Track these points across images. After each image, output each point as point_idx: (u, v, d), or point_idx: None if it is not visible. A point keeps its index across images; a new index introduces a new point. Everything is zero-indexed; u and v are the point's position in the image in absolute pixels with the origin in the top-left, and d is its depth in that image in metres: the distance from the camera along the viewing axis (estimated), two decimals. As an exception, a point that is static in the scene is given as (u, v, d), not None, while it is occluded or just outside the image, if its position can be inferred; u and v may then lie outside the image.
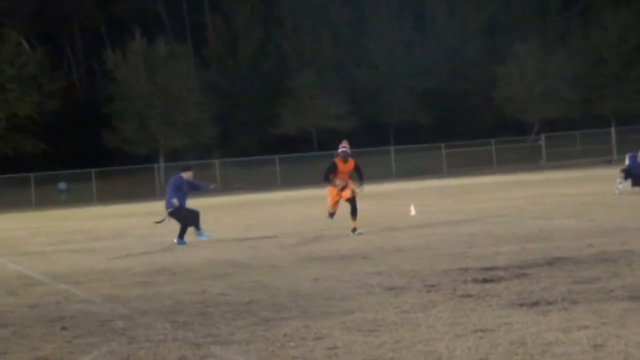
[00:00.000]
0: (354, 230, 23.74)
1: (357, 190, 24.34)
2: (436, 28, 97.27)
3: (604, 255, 15.08)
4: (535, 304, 10.85)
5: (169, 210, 24.50)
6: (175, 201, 23.94)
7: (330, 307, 11.84)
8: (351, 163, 24.75)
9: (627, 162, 34.82)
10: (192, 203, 25.74)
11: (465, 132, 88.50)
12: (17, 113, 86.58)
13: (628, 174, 34.08)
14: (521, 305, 10.86)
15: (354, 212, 24.09)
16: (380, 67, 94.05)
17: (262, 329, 10.53)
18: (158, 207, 56.23)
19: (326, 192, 25.34)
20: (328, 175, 24.52)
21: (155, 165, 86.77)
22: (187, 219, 24.31)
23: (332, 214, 25.51)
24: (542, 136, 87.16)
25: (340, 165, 24.49)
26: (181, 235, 24.15)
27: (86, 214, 54.98)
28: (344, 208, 24.57)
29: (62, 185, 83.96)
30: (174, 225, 24.41)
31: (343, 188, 24.44)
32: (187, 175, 24.56)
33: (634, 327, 9.08)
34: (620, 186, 33.19)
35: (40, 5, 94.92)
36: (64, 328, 11.59)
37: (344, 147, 24.61)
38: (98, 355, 9.70)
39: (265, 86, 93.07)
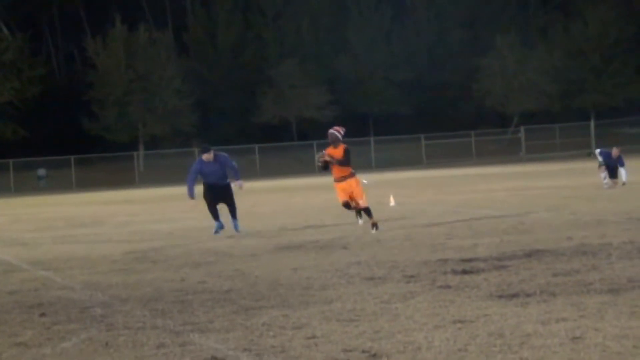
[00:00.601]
0: (374, 226, 20.78)
1: (364, 182, 23.34)
2: (416, 19, 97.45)
3: (583, 247, 15.15)
4: (514, 295, 10.88)
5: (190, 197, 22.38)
6: (191, 192, 22.03)
7: (309, 296, 11.86)
8: (341, 149, 21.44)
9: (599, 158, 34.78)
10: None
11: (445, 123, 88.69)
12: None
13: (603, 164, 34.13)
14: (500, 296, 10.89)
15: (366, 212, 21.40)
16: (360, 57, 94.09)
17: (241, 317, 10.54)
18: (138, 194, 56.31)
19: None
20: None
21: (135, 153, 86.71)
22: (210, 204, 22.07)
23: (347, 206, 21.75)
24: (522, 129, 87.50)
25: (330, 150, 21.56)
26: (233, 216, 22.01)
27: (65, 201, 54.90)
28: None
29: (42, 172, 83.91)
30: (155, 214, 24.30)
31: (349, 193, 21.31)
32: (206, 156, 21.91)
33: (612, 320, 9.12)
34: (607, 180, 33.16)
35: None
36: (42, 314, 11.58)
37: (335, 129, 21.70)
38: (77, 341, 9.69)
39: (245, 75, 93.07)
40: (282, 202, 37.13)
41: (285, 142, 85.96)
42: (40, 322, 11.03)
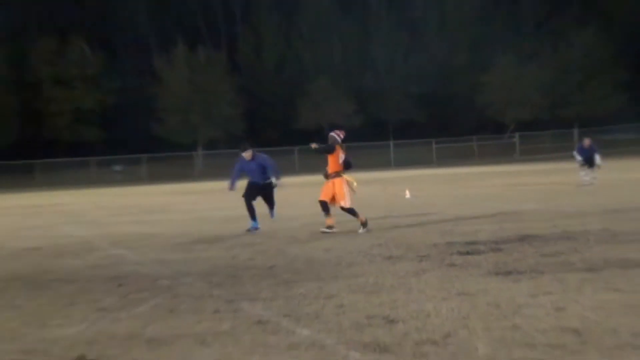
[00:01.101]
0: (362, 225, 18.40)
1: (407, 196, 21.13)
2: (429, 42, 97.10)
3: (566, 234, 15.09)
4: (509, 273, 10.89)
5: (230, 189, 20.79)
6: (232, 185, 20.62)
7: (338, 272, 11.90)
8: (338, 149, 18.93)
9: (578, 158, 34.55)
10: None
11: (452, 129, 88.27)
12: (81, 107, 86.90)
13: (583, 162, 33.92)
14: (497, 274, 10.91)
15: (349, 212, 18.87)
16: (381, 74, 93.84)
17: (282, 289, 10.61)
18: (197, 187, 56.35)
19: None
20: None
21: (195, 153, 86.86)
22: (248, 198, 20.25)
23: (323, 205, 18.84)
24: (517, 135, 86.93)
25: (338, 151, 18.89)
26: (270, 207, 20.60)
27: (137, 192, 55.06)
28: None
29: (118, 167, 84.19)
30: (211, 203, 24.27)
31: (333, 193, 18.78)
32: (246, 154, 20.26)
33: (590, 294, 9.14)
34: (587, 178, 32.94)
35: (100, 17, 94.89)
36: (119, 285, 11.69)
37: (335, 132, 19.15)
38: (147, 307, 9.79)
39: (286, 89, 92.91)
40: (317, 195, 36.92)
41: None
42: (117, 291, 11.15)
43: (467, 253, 13.21)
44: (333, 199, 18.68)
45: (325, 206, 18.68)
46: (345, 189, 18.65)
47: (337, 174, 18.75)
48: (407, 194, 30.71)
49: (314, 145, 19.04)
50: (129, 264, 14.21)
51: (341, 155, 18.81)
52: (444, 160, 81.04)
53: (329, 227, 18.40)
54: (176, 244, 17.54)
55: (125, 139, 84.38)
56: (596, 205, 21.53)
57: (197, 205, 30.23)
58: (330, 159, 18.75)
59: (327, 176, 18.88)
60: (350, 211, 18.70)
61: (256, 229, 19.60)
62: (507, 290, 9.63)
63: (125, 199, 44.37)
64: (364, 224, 18.39)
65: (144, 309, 9.67)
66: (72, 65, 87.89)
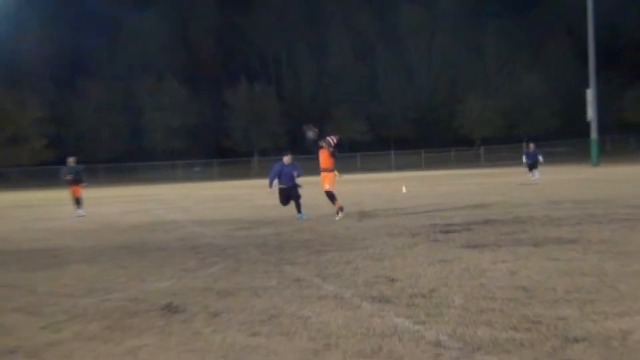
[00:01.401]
0: (338, 211, 17.40)
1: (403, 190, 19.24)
2: (420, 79, 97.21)
3: (518, 219, 15.01)
4: (476, 246, 10.83)
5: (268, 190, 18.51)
6: (271, 185, 18.39)
7: (355, 244, 11.86)
8: (326, 152, 17.72)
9: (525, 160, 34.14)
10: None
11: (436, 143, 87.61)
12: (171, 125, 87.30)
13: (530, 164, 33.54)
14: (468, 247, 10.84)
15: (328, 196, 17.72)
16: (385, 103, 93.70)
17: (314, 256, 10.60)
18: (254, 183, 56.59)
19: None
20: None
21: (252, 158, 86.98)
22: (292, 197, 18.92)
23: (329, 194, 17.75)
24: (482, 147, 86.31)
25: (322, 150, 17.79)
26: (298, 210, 18.45)
27: (211, 187, 55.29)
28: (367, 193, 24.08)
29: (197, 168, 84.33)
30: (264, 195, 24.22)
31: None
32: (285, 159, 18.83)
33: (535, 262, 9.08)
34: (534, 178, 32.56)
35: (185, 61, 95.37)
36: (198, 252, 11.73)
37: (330, 137, 17.91)
38: (218, 268, 9.82)
39: (317, 112, 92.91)
40: (339, 189, 36.90)
41: (340, 153, 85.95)
42: (196, 257, 11.19)
43: (447, 232, 13.13)
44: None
45: (331, 195, 17.54)
46: (333, 180, 17.61)
47: (330, 170, 17.60)
48: (404, 189, 30.64)
49: (309, 131, 17.83)
50: (205, 237, 14.26)
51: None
52: (429, 165, 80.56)
53: (340, 209, 17.40)
54: (239, 223, 17.57)
55: (203, 148, 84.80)
56: (539, 198, 21.41)
57: (254, 196, 30.25)
58: (324, 156, 17.60)
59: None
60: (332, 196, 17.52)
61: (302, 218, 18.01)
62: (475, 259, 9.58)
63: (202, 191, 44.56)
64: (341, 209, 17.36)
65: (215, 270, 9.71)
66: (165, 95, 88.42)
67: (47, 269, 10.58)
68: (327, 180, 17.66)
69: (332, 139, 17.70)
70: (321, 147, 17.64)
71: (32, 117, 77.74)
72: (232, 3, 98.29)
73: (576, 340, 5.48)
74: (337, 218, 17.19)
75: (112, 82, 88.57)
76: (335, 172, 17.78)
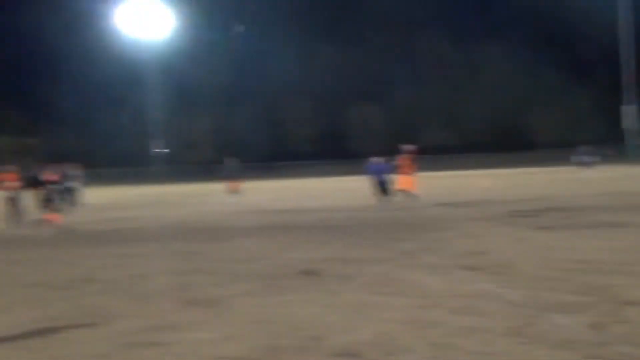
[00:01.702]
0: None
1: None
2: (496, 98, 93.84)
3: (576, 207, 14.35)
4: (544, 228, 10.50)
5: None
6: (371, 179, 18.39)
7: (449, 226, 11.73)
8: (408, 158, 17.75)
9: (579, 159, 32.23)
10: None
11: (507, 147, 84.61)
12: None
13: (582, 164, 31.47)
14: (537, 228, 10.53)
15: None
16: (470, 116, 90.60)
17: (418, 234, 10.58)
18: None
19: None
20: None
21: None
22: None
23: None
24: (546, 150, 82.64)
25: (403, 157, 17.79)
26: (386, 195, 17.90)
27: (327, 181, 54.86)
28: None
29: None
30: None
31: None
32: (373, 160, 18.31)
33: (591, 241, 8.78)
34: (586, 173, 30.75)
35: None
36: (329, 231, 11.82)
37: (407, 147, 17.83)
38: (348, 242, 9.89)
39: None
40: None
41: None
42: (328, 234, 11.23)
43: (519, 216, 12.84)
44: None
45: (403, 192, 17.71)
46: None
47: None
48: (484, 184, 29.49)
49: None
50: (334, 220, 14.36)
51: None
52: (500, 165, 77.99)
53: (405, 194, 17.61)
54: (354, 210, 17.42)
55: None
56: (593, 191, 20.34)
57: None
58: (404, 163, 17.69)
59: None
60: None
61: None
62: (543, 238, 9.38)
63: (322, 184, 44.47)
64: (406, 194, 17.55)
65: (344, 243, 9.83)
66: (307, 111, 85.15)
67: (218, 242, 11.01)
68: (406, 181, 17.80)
69: (410, 149, 17.75)
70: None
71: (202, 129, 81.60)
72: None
73: (629, 303, 5.35)
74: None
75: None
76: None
